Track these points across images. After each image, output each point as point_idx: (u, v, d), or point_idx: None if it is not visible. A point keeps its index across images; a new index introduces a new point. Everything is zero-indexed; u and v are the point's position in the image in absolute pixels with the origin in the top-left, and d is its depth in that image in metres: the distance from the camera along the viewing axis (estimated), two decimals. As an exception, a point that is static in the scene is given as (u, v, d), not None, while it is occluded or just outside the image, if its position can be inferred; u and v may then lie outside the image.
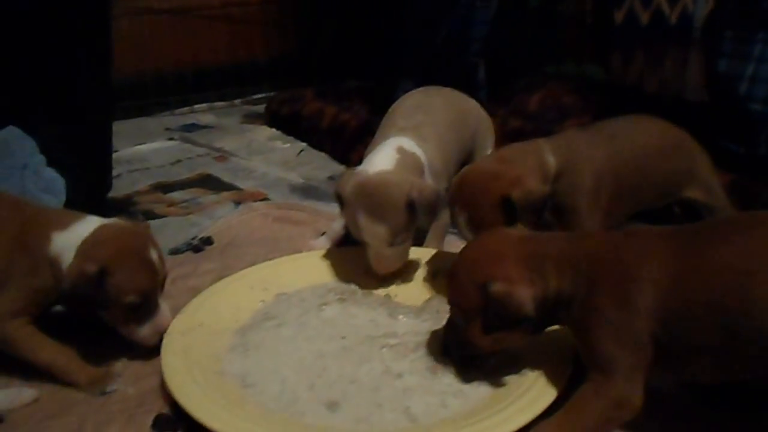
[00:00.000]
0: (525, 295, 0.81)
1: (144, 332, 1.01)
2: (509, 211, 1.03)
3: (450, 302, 0.91)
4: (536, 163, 1.10)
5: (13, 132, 1.48)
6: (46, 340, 0.99)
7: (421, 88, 1.43)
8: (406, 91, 1.44)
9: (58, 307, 1.08)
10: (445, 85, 1.46)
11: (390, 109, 1.37)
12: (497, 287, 0.82)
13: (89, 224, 1.00)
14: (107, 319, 1.01)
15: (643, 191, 1.19)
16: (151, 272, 0.99)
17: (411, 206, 1.11)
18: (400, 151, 1.19)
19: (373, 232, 1.12)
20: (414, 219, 1.13)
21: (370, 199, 1.11)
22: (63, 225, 1.00)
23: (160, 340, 1.00)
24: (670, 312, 0.76)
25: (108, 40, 1.63)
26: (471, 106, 1.46)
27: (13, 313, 0.97)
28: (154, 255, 1.00)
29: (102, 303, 0.97)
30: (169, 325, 1.02)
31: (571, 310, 0.82)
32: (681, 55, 1.62)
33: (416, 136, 1.23)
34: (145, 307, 0.99)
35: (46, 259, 0.98)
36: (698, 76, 1.59)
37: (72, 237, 0.98)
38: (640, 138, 1.19)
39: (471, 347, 0.89)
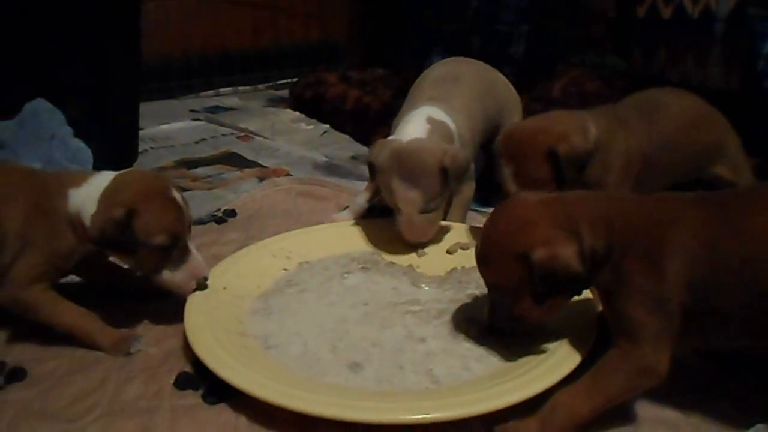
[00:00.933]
0: (569, 253, 0.79)
1: (179, 277, 0.99)
2: (555, 164, 1.04)
3: (490, 286, 0.87)
4: (580, 126, 1.11)
5: (41, 104, 1.50)
6: (68, 304, 0.99)
7: (450, 59, 1.42)
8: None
9: (76, 279, 1.10)
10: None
11: (419, 79, 1.37)
12: (540, 253, 0.78)
13: (106, 176, 0.99)
14: (139, 268, 0.99)
15: (674, 165, 1.18)
16: (177, 211, 0.97)
17: (444, 172, 1.12)
18: (430, 120, 1.20)
19: (407, 198, 1.13)
20: (446, 185, 1.14)
21: (405, 165, 1.13)
22: (78, 182, 0.98)
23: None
24: (699, 278, 0.75)
25: (137, 18, 1.65)
26: (499, 79, 1.45)
27: (34, 278, 0.96)
28: (177, 195, 0.99)
29: (132, 248, 0.95)
30: (204, 270, 1.01)
31: (602, 274, 0.80)
32: (703, 52, 1.60)
33: (445, 105, 1.23)
34: (177, 250, 0.98)
35: (65, 219, 0.97)
36: (720, 70, 1.58)
37: (90, 189, 0.97)
38: (673, 110, 1.19)
39: (525, 321, 0.86)
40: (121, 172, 1.00)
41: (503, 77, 1.46)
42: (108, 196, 0.96)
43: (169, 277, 0.99)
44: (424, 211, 1.15)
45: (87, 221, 0.96)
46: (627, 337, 0.77)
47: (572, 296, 0.86)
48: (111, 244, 0.96)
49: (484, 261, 0.86)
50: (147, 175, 1.02)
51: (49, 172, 1.09)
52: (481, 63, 1.43)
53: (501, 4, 1.93)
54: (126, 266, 1.02)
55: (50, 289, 0.98)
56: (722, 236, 0.75)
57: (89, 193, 0.97)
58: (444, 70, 1.37)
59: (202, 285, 1.01)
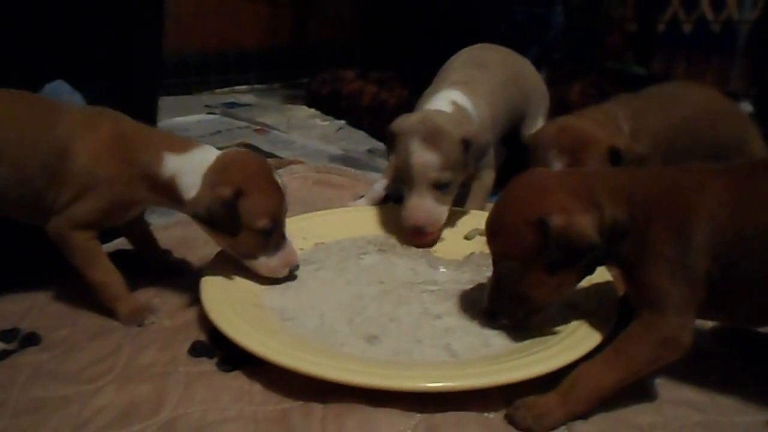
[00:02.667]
0: (585, 223, 0.77)
1: (274, 263, 0.98)
2: (615, 162, 1.05)
3: (499, 254, 0.84)
4: (618, 129, 1.13)
5: (61, 86, 1.50)
6: (106, 261, 0.98)
7: (477, 45, 1.41)
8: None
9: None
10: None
11: (445, 64, 1.36)
12: (558, 220, 0.77)
13: (210, 151, 0.97)
14: (237, 251, 0.98)
15: (695, 156, 1.17)
16: (280, 196, 0.97)
17: (465, 144, 1.10)
18: (454, 104, 1.18)
19: (423, 160, 1.09)
20: (464, 161, 1.11)
21: (427, 127, 1.10)
22: (177, 148, 0.96)
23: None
24: (725, 245, 0.74)
25: (161, 1, 1.65)
26: (528, 69, 1.44)
27: (86, 224, 0.95)
28: (279, 180, 0.98)
29: (234, 229, 0.93)
30: (297, 259, 1.01)
31: (624, 246, 0.79)
32: (724, 63, 1.60)
33: (468, 90, 1.22)
34: (275, 235, 0.97)
35: (144, 175, 0.95)
36: (742, 80, 1.58)
37: (193, 161, 0.94)
38: (692, 99, 1.20)
39: (527, 301, 0.84)
40: (224, 150, 0.98)
41: (531, 67, 1.45)
42: (215, 173, 0.93)
43: (265, 263, 0.98)
44: (436, 183, 1.11)
45: (185, 192, 0.93)
46: (650, 307, 0.76)
47: (581, 278, 0.84)
48: (215, 223, 0.93)
49: (496, 228, 0.84)
50: (253, 157, 1.00)
51: (138, 123, 1.02)
52: (509, 50, 1.42)
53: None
54: (223, 248, 1.00)
55: (95, 239, 0.97)
56: (748, 204, 0.74)
57: (191, 165, 0.94)
58: (471, 55, 1.36)
59: (292, 274, 1.02)
